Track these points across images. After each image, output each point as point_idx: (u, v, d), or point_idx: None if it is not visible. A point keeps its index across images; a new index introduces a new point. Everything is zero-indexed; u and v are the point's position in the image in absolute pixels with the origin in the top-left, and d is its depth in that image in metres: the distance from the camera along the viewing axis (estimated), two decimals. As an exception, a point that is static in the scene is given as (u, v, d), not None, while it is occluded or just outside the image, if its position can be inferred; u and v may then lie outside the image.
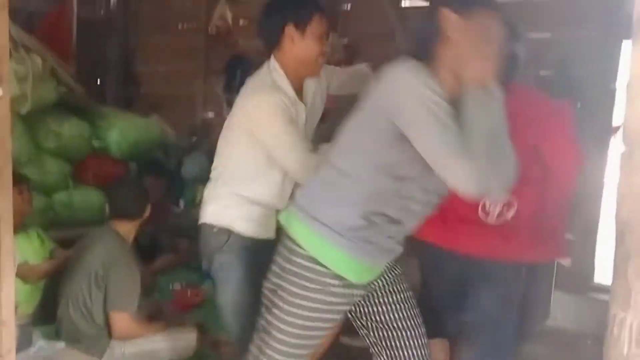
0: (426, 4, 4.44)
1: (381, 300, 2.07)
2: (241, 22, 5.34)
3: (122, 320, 2.71)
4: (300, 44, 2.16)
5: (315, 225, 1.85)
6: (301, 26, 2.15)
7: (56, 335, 2.80)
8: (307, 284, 1.86)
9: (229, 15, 5.30)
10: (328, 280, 1.85)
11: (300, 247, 1.87)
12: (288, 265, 1.88)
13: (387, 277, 2.08)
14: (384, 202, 1.82)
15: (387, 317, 2.07)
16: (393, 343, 2.07)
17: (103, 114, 4.42)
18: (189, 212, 4.47)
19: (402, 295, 2.09)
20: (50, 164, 3.93)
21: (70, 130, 4.02)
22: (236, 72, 4.88)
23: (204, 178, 4.46)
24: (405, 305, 2.08)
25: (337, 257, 1.85)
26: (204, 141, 5.05)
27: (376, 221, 1.83)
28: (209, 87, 5.31)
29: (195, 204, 4.47)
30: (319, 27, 2.16)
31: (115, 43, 6.12)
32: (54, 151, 3.95)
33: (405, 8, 4.56)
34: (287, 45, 2.17)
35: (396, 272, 2.10)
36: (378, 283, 2.06)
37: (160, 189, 4.17)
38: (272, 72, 2.19)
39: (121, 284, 2.72)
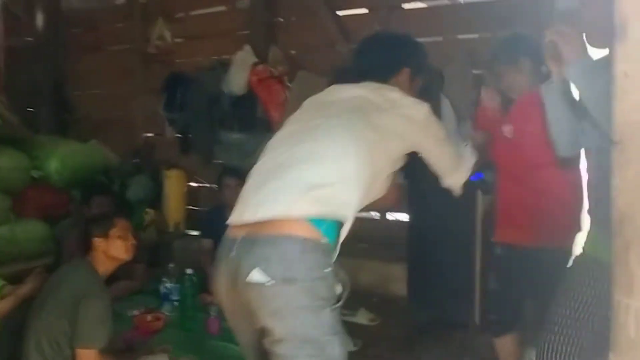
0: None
1: None
2: (178, 40, 5.29)
3: (87, 357, 2.62)
4: None
5: None
6: None
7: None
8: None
9: (167, 34, 5.25)
10: None
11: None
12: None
13: None
14: None
15: None
16: None
17: (41, 143, 4.29)
18: (137, 235, 4.35)
19: None
20: (-11, 199, 3.80)
21: (8, 162, 3.91)
22: (176, 90, 4.81)
23: (149, 200, 4.41)
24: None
25: None
26: (147, 162, 4.96)
27: None
28: (148, 106, 5.22)
29: (143, 227, 4.37)
30: None
31: (46, 69, 5.96)
32: (-8, 185, 3.82)
33: (343, 16, 4.59)
34: None
35: None
36: None
37: (107, 208, 4.05)
38: None
39: (90, 319, 2.59)
